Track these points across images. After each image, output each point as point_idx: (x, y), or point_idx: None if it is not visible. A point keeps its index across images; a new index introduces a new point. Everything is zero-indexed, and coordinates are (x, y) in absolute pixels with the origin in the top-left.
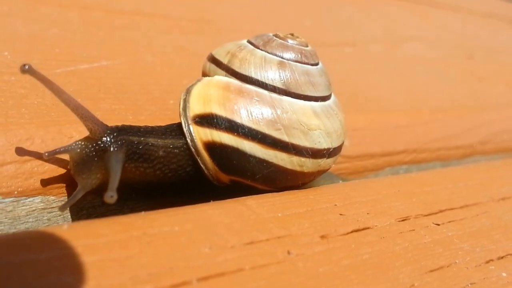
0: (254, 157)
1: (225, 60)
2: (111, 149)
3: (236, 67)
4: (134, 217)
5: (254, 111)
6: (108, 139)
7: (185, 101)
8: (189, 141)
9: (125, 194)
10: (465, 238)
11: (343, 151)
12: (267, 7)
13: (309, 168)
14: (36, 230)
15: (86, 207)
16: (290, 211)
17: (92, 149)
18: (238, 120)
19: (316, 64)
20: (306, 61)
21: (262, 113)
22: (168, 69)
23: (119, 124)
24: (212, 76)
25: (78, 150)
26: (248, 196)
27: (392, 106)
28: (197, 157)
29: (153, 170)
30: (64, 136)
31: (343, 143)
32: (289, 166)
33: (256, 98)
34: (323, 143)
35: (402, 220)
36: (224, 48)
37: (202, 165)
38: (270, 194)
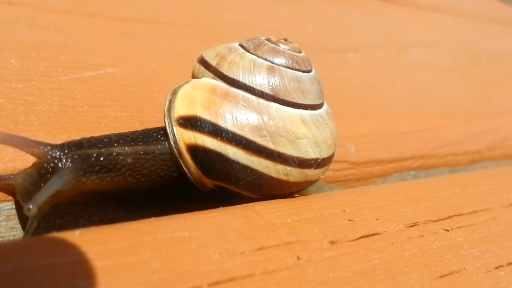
0: (238, 163)
1: (213, 62)
2: (60, 166)
3: (224, 70)
4: (144, 223)
5: (239, 116)
6: (57, 158)
7: (171, 102)
8: (172, 142)
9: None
10: (474, 244)
11: (349, 157)
12: (270, 13)
13: (296, 178)
14: (49, 236)
15: (98, 213)
16: (299, 216)
17: (37, 174)
18: (222, 124)
19: (308, 71)
20: (297, 67)
21: (247, 119)
22: (172, 76)
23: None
24: (200, 78)
25: (21, 179)
26: (257, 202)
27: (398, 112)
28: (179, 159)
29: (123, 177)
30: None
31: (333, 153)
32: (274, 175)
33: (242, 103)
34: (311, 153)
35: (411, 226)
36: (215, 50)
37: (185, 168)
38: (278, 200)
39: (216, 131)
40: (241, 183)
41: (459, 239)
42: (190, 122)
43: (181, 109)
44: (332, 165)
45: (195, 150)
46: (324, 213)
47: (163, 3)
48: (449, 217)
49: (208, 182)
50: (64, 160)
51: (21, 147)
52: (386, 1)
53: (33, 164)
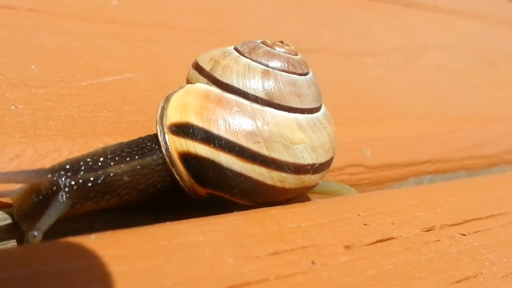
0: (231, 171)
1: (207, 67)
2: (58, 195)
3: (218, 74)
4: (160, 228)
5: (232, 122)
6: (55, 185)
7: (163, 109)
8: (164, 150)
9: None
10: (491, 249)
11: (365, 161)
12: (286, 18)
13: (291, 184)
14: (64, 240)
15: (113, 217)
16: (314, 221)
17: (36, 199)
18: (215, 131)
19: (305, 74)
20: (293, 70)
21: (241, 125)
22: None
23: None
24: (194, 83)
25: (19, 199)
26: (272, 207)
27: (415, 115)
28: (172, 168)
29: (119, 197)
30: (90, 148)
31: (332, 158)
32: (269, 182)
33: (236, 109)
34: (307, 158)
35: (427, 231)
36: (209, 54)
37: (177, 177)
38: (293, 204)
39: (209, 138)
40: (235, 191)
41: (476, 244)
42: (182, 129)
43: (173, 116)
44: (348, 169)
45: (188, 158)
46: (339, 218)
47: (180, 9)
48: (466, 222)
49: (201, 191)
50: (62, 189)
51: (23, 181)
52: (403, 4)
53: (32, 187)
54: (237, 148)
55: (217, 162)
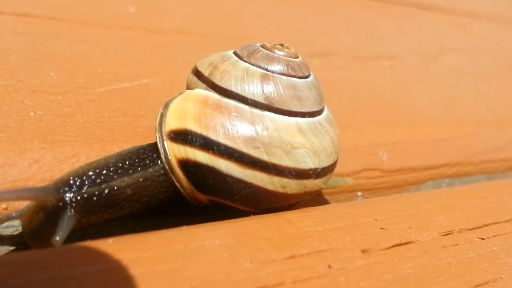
0: (231, 177)
1: (206, 72)
2: (64, 212)
3: (216, 80)
4: (176, 232)
5: (231, 127)
6: (62, 202)
7: (162, 116)
8: (163, 158)
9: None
10: (511, 253)
11: (382, 165)
12: (302, 22)
13: (294, 190)
14: (83, 244)
15: (131, 221)
16: (330, 225)
17: (44, 217)
18: (213, 137)
19: (306, 77)
20: (293, 73)
21: (240, 130)
22: None
23: None
24: (194, 89)
25: (27, 220)
26: (288, 211)
27: (433, 119)
28: (171, 175)
29: (122, 210)
30: (108, 153)
31: (335, 162)
32: (270, 187)
33: (234, 114)
34: (309, 163)
35: (445, 235)
36: (208, 59)
37: (177, 184)
38: (310, 208)
39: (208, 145)
40: (236, 198)
41: (495, 248)
42: (181, 136)
43: (172, 122)
44: (364, 173)
45: (187, 165)
46: (355, 222)
47: (197, 14)
48: (485, 225)
49: (202, 197)
50: (68, 204)
51: (31, 199)
52: (419, 7)
53: (39, 205)
54: (236, 154)
55: (217, 169)
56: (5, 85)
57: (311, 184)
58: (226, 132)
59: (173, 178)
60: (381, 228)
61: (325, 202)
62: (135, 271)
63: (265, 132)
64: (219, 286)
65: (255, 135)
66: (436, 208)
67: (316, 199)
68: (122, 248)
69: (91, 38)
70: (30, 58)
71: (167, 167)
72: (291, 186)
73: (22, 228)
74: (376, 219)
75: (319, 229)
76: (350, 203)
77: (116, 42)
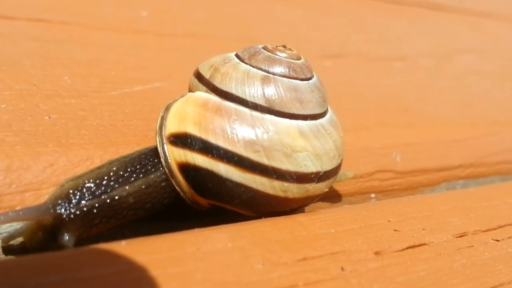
0: (231, 181)
1: (207, 75)
2: (63, 229)
3: (217, 82)
4: (188, 234)
5: (231, 131)
6: (59, 220)
7: (163, 119)
8: (163, 161)
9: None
10: None
11: (395, 167)
12: (315, 24)
13: (295, 194)
14: (96, 247)
15: (145, 225)
16: (343, 227)
17: (43, 236)
18: (212, 140)
19: (308, 79)
20: (294, 75)
21: (239, 133)
22: None
23: None
24: (195, 91)
25: (29, 236)
26: (300, 213)
27: (446, 120)
28: (171, 179)
29: (124, 219)
30: None
31: (339, 165)
32: (270, 192)
33: (234, 117)
34: (311, 167)
35: (460, 236)
36: (210, 61)
37: (177, 188)
38: (322, 211)
39: (207, 148)
40: (236, 202)
41: (510, 250)
42: (181, 140)
43: (172, 126)
44: (377, 175)
45: (187, 169)
46: (368, 223)
47: (208, 18)
48: (499, 227)
49: (203, 201)
50: (66, 221)
51: (28, 219)
52: (432, 8)
53: (37, 223)
54: (236, 158)
55: (216, 173)
56: (20, 89)
57: (313, 188)
58: (226, 135)
59: (173, 182)
60: (395, 230)
61: (338, 204)
62: (148, 273)
63: (265, 135)
64: None
65: (255, 138)
66: (450, 210)
67: (328, 201)
68: (135, 251)
69: (104, 42)
70: (44, 63)
71: (167, 171)
72: (292, 190)
73: (26, 244)
74: (389, 221)
75: (332, 231)
76: (363, 205)
77: (129, 46)
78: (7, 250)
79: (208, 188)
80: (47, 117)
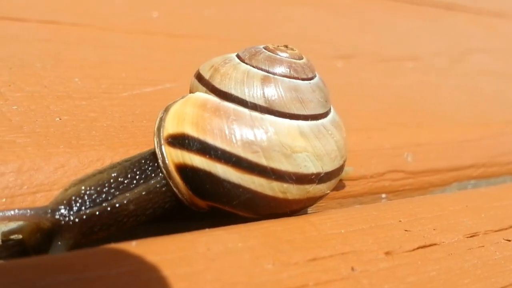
0: (229, 182)
1: (207, 76)
2: (62, 234)
3: (216, 83)
4: (199, 234)
5: (229, 131)
6: (57, 225)
7: (161, 120)
8: (160, 163)
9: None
10: None
11: (406, 167)
12: (326, 25)
13: (295, 195)
14: (106, 247)
15: (154, 225)
16: (353, 227)
17: (41, 238)
18: (210, 141)
19: (310, 79)
20: (295, 75)
21: (238, 134)
22: None
23: None
24: (195, 92)
25: (28, 235)
26: (310, 213)
27: (458, 120)
28: (169, 180)
29: (124, 226)
30: None
31: (341, 166)
32: (269, 193)
33: (233, 117)
34: (311, 167)
35: (471, 236)
36: (210, 62)
37: (175, 189)
38: (333, 211)
39: (204, 149)
40: (234, 203)
41: None
42: (178, 141)
43: (170, 127)
44: (388, 175)
45: (184, 170)
46: (379, 224)
47: (219, 19)
48: (511, 227)
49: (201, 203)
50: (64, 228)
51: (23, 220)
52: (444, 8)
53: (37, 224)
54: (234, 159)
55: (214, 174)
56: (31, 91)
57: (313, 189)
58: (224, 136)
59: (171, 184)
60: (405, 230)
61: (348, 204)
62: (158, 273)
63: (264, 136)
64: None
65: (253, 139)
66: (461, 210)
67: (339, 201)
68: (145, 251)
69: (115, 43)
70: (55, 64)
71: (164, 172)
72: (292, 191)
73: (25, 242)
74: (400, 221)
75: (342, 231)
76: (374, 205)
77: (139, 47)
78: (5, 246)
79: (206, 190)
80: (58, 119)
